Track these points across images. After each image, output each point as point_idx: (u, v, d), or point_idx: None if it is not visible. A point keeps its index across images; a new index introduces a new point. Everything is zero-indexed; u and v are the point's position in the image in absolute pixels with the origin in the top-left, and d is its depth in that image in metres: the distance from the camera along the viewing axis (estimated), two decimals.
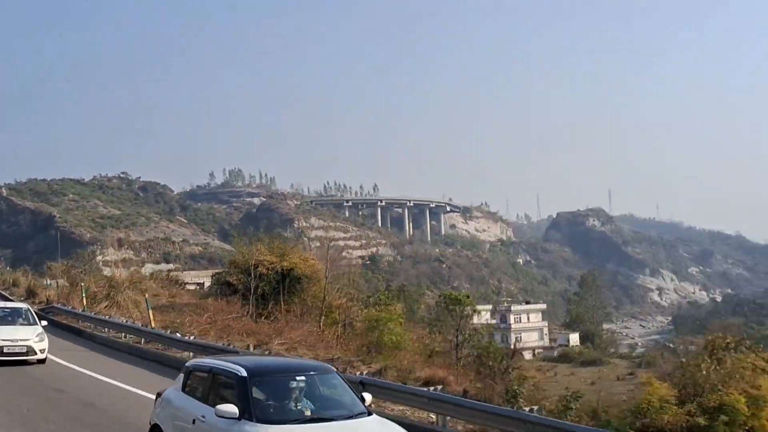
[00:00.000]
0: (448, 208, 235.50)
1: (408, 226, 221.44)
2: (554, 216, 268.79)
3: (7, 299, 31.42)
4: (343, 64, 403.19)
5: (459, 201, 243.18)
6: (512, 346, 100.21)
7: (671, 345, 73.79)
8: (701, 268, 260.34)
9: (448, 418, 11.09)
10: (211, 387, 7.94)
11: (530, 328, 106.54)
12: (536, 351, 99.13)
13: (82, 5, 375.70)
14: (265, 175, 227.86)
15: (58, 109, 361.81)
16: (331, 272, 31.18)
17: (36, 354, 17.46)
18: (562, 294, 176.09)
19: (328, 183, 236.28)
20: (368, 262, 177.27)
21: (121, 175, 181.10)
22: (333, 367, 8.46)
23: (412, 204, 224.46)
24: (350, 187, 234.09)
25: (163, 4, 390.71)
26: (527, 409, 12.15)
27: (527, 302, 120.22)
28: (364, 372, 16.79)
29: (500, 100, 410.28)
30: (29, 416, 11.97)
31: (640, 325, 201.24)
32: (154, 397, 14.06)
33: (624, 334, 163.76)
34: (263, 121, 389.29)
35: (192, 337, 19.15)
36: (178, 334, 20.14)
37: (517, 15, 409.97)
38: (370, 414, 7.56)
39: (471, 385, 15.39)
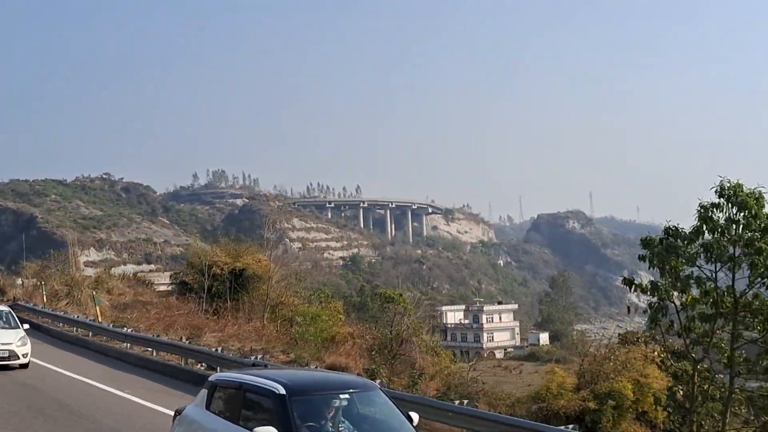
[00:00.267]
0: (430, 210, 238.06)
1: (390, 228, 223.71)
2: (535, 218, 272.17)
3: None
4: (333, 68, 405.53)
5: (441, 203, 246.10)
6: (483, 345, 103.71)
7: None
8: None
9: None
10: (242, 405, 7.29)
11: (502, 327, 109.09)
12: (507, 350, 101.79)
13: (74, 5, 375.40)
14: (249, 176, 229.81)
15: (45, 108, 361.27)
16: (282, 272, 33.26)
17: (19, 358, 17.03)
18: (540, 295, 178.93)
19: (311, 184, 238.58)
20: (349, 263, 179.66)
21: (104, 176, 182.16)
22: (376, 384, 7.76)
23: (394, 205, 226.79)
24: (333, 189, 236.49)
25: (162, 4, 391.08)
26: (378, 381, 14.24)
27: (499, 303, 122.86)
28: (281, 360, 19.04)
29: (485, 104, 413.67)
30: None
31: (618, 326, 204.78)
32: (85, 379, 16.45)
33: (601, 334, 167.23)
34: (250, 122, 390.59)
35: (130, 330, 21.23)
36: (125, 329, 22.21)
37: (515, 16, 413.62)
38: None
39: (357, 367, 17.68)
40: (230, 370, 10.31)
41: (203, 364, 17.06)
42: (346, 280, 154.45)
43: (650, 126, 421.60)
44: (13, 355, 16.91)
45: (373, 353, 21.41)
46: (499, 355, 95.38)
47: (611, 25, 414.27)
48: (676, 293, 14.45)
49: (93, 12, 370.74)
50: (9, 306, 30.26)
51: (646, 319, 16.13)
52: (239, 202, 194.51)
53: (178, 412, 8.48)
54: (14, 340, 17.11)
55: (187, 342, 19.72)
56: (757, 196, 13.58)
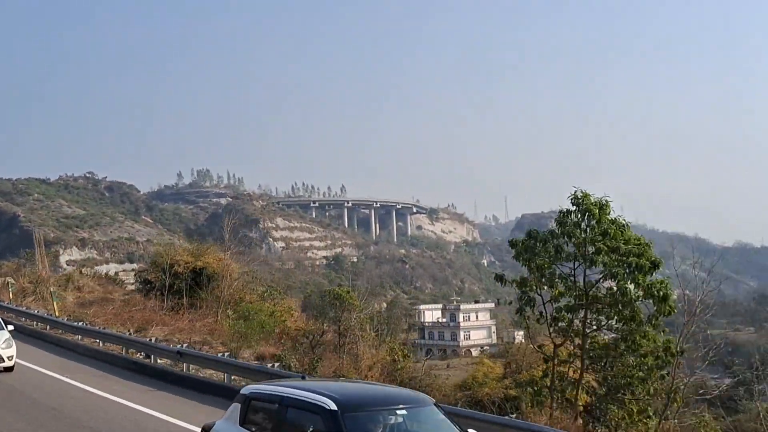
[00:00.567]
0: (414, 210, 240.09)
1: (374, 227, 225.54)
2: (520, 218, 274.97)
3: None
4: (319, 68, 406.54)
5: (427, 203, 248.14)
6: (459, 343, 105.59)
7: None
8: (660, 269, 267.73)
9: (233, 377, 15.20)
10: (284, 422, 6.72)
11: (478, 326, 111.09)
12: (483, 348, 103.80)
13: (58, 5, 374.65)
14: (233, 175, 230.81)
15: (29, 107, 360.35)
16: (240, 270, 34.97)
17: (3, 361, 16.77)
18: (518, 294, 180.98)
19: (296, 184, 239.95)
20: (332, 263, 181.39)
21: (87, 175, 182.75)
22: (431, 399, 7.25)
23: (378, 205, 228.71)
24: (318, 188, 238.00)
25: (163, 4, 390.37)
26: (275, 365, 16.10)
27: (476, 302, 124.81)
28: (220, 352, 20.78)
29: (471, 104, 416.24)
30: None
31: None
32: (36, 367, 18.10)
33: None
34: (236, 121, 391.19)
35: (86, 324, 22.88)
36: (79, 323, 23.83)
37: (499, 17, 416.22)
38: None
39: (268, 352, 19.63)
40: (263, 381, 8.79)
41: (142, 353, 18.79)
42: (328, 280, 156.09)
43: (630, 125, 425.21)
44: None
45: (296, 343, 23.13)
46: (475, 352, 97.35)
47: (593, 24, 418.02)
48: (546, 287, 16.30)
49: (74, 11, 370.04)
50: None
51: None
52: (223, 201, 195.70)
53: (205, 429, 7.75)
54: None
55: (134, 334, 21.41)
56: (602, 204, 15.49)
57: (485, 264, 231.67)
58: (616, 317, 16.16)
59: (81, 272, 51.58)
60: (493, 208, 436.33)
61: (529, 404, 23.55)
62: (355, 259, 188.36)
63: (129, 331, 21.79)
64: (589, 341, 16.65)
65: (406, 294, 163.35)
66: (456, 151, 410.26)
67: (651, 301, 15.73)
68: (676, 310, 16.15)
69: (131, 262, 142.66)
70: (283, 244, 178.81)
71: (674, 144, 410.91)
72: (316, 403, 6.40)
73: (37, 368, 17.91)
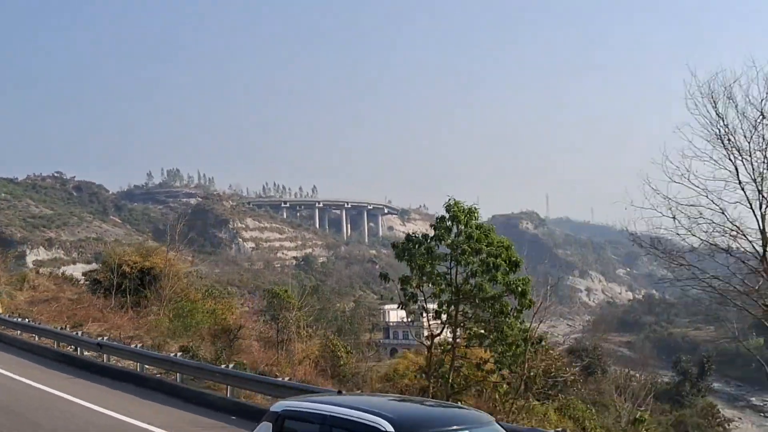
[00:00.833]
0: (386, 210, 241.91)
1: (346, 228, 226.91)
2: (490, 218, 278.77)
3: None
4: (291, 69, 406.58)
5: (399, 204, 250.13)
6: (423, 342, 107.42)
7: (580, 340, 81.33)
8: (628, 269, 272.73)
9: (146, 365, 16.85)
10: None
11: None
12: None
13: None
14: (204, 175, 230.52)
15: None
16: (185, 269, 36.52)
17: None
18: None
19: (267, 184, 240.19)
20: (302, 263, 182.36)
21: (56, 175, 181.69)
22: (490, 417, 6.66)
23: (350, 206, 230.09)
24: (289, 189, 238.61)
25: None
26: (177, 355, 17.76)
27: None
28: (139, 344, 22.30)
29: (445, 106, 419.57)
30: None
31: (567, 324, 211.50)
32: None
33: (549, 333, 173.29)
34: (207, 121, 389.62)
35: (28, 320, 24.27)
36: (27, 319, 25.11)
37: (473, 22, 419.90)
38: None
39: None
40: (295, 397, 7.72)
41: (72, 346, 20.33)
42: (298, 280, 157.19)
43: (601, 127, 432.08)
44: None
45: (215, 338, 24.79)
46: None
47: (562, 29, 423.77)
48: (429, 285, 18.26)
49: (43, 8, 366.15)
50: None
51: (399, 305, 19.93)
52: (193, 201, 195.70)
53: None
54: None
55: (70, 330, 22.85)
56: (470, 211, 17.45)
57: None
58: (489, 310, 18.11)
59: (38, 272, 52.56)
60: None
61: (444, 395, 25.57)
62: (325, 260, 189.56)
63: (65, 326, 23.19)
64: (467, 331, 18.61)
65: (375, 294, 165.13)
66: (429, 151, 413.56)
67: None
68: (534, 303, 18.18)
69: (98, 262, 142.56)
70: (253, 245, 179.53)
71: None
72: (370, 424, 5.68)
73: None
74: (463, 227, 17.41)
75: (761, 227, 12.58)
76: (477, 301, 18.04)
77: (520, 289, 17.82)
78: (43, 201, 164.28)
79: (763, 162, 12.35)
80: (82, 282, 54.80)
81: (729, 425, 59.26)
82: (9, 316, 25.31)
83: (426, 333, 19.97)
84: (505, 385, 18.15)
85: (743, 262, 13.24)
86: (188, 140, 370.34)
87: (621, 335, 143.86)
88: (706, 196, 12.84)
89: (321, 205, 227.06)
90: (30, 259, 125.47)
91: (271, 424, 6.55)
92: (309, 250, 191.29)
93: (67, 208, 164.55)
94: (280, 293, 32.64)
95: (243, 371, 14.98)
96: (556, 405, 21.70)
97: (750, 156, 12.45)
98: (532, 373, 18.78)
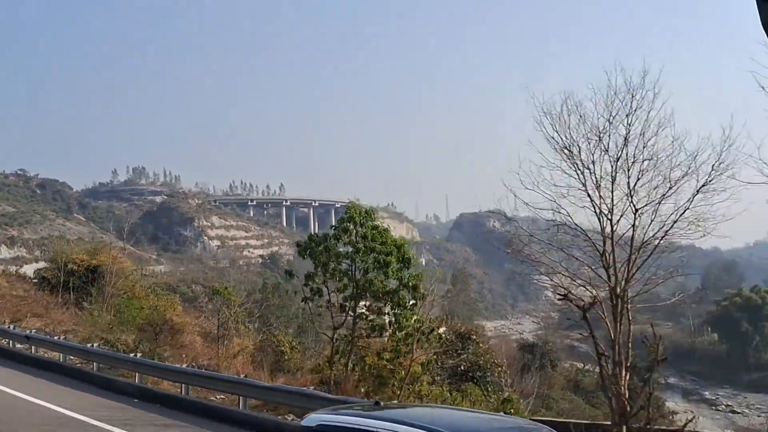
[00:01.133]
0: None
1: (314, 226, 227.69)
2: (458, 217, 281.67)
3: None
4: (258, 65, 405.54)
5: (367, 202, 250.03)
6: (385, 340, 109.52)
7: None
8: (593, 267, 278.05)
9: (69, 356, 18.33)
10: None
11: None
12: None
13: None
14: (170, 173, 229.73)
15: None
16: (131, 267, 37.86)
17: None
18: (443, 292, 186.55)
19: (233, 182, 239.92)
20: (267, 261, 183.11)
21: (19, 172, 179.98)
22: (548, 428, 6.25)
23: (317, 204, 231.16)
24: (257, 187, 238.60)
25: None
26: (95, 345, 19.28)
27: None
28: (71, 338, 23.67)
29: (412, 104, 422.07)
30: None
31: (533, 321, 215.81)
32: None
33: (515, 330, 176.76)
34: (172, 119, 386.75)
35: None
36: None
37: (428, 23, 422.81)
38: None
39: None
40: (330, 410, 6.57)
41: (6, 339, 21.67)
42: (263, 278, 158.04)
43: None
44: None
45: (145, 331, 26.22)
46: None
47: (511, 24, 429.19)
48: (334, 281, 20.05)
49: (18, 5, 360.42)
50: None
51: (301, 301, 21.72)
52: (158, 199, 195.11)
53: None
54: None
55: (9, 325, 24.12)
56: (366, 212, 19.40)
57: (423, 262, 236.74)
58: (390, 304, 20.00)
59: None
60: (434, 208, 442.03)
61: (370, 386, 27.36)
62: (292, 258, 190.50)
63: (4, 321, 24.46)
64: (369, 323, 20.56)
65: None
66: (398, 150, 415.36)
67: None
68: (427, 295, 20.25)
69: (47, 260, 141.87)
70: (219, 243, 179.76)
71: None
72: None
73: None
74: (359, 228, 19.22)
75: (601, 226, 14.62)
76: (380, 295, 19.86)
77: (411, 284, 19.72)
78: (6, 199, 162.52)
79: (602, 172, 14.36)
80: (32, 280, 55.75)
81: (673, 417, 62.15)
82: None
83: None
84: (402, 372, 19.93)
85: (583, 262, 15.20)
86: (154, 138, 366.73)
87: (583, 332, 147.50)
88: (555, 201, 14.82)
89: (288, 203, 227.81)
90: None
91: None
92: (275, 248, 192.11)
93: (30, 206, 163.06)
94: (220, 290, 34.16)
95: (151, 360, 16.53)
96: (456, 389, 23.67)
97: (592, 165, 14.45)
98: (425, 360, 20.61)
